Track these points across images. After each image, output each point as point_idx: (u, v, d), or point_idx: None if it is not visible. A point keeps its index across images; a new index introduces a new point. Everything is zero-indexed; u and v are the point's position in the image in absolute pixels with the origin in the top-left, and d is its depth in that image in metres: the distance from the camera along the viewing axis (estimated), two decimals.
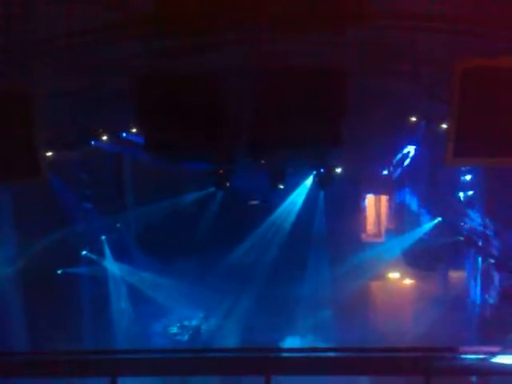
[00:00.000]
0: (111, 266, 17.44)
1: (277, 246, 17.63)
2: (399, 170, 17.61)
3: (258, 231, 17.78)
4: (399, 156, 17.28)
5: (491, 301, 16.27)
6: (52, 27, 8.27)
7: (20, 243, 14.93)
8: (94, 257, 17.26)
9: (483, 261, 16.64)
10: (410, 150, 16.89)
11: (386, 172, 17.83)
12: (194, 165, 15.43)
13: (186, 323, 17.52)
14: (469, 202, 17.06)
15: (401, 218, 18.59)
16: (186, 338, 17.29)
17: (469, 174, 16.59)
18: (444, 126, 12.06)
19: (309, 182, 17.26)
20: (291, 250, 17.24)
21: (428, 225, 17.82)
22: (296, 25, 7.58)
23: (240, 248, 17.68)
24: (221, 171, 14.90)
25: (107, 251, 17.55)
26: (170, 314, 17.61)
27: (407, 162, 17.14)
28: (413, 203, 18.36)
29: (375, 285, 18.21)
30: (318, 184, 16.31)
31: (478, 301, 16.79)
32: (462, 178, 16.83)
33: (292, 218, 17.74)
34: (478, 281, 16.93)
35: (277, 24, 7.66)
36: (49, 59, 9.28)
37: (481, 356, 7.83)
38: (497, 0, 7.26)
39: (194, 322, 17.56)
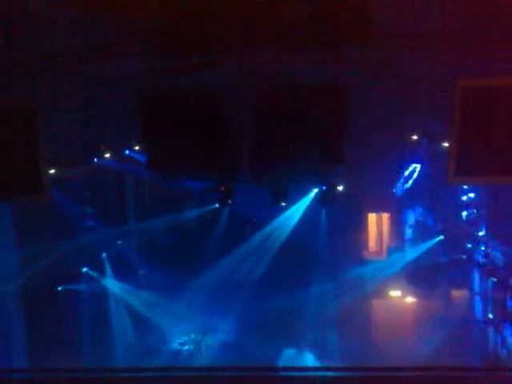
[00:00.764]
0: (111, 284, 17.40)
1: (270, 262, 17.61)
2: (402, 189, 17.62)
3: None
4: (402, 174, 17.30)
5: (494, 320, 16.19)
6: (53, 44, 8.32)
7: (21, 259, 14.91)
8: (94, 274, 17.23)
9: (486, 279, 16.59)
10: (413, 168, 16.91)
11: (388, 190, 17.84)
12: (195, 182, 15.47)
13: (186, 339, 17.47)
14: (472, 220, 17.04)
15: (403, 236, 18.56)
16: (185, 353, 17.23)
17: (472, 192, 16.58)
18: (445, 144, 12.09)
19: (309, 198, 17.26)
20: (285, 265, 17.18)
21: (429, 242, 17.78)
22: (296, 43, 7.63)
23: (233, 264, 17.69)
24: (222, 188, 14.92)
25: (108, 269, 17.53)
26: (167, 334, 17.57)
27: (410, 180, 17.15)
28: (415, 221, 18.34)
29: (376, 303, 18.12)
30: (320, 202, 16.30)
31: (481, 320, 16.71)
32: (466, 196, 16.83)
33: (286, 233, 17.74)
34: (481, 300, 16.87)
35: (277, 42, 7.71)
36: (50, 76, 9.33)
37: (483, 374, 7.80)
38: (496, 20, 7.32)
39: (194, 338, 17.51)
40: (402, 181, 17.35)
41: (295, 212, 17.50)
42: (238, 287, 17.53)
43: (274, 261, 17.55)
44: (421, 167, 16.64)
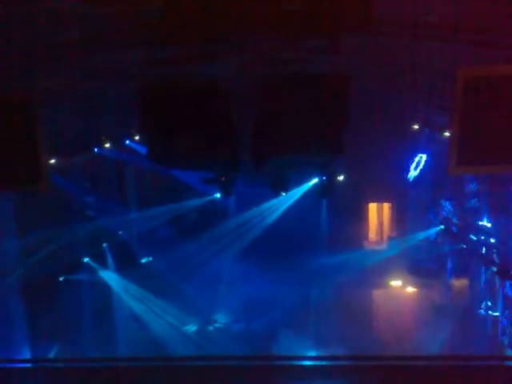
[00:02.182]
0: (109, 278, 17.44)
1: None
2: (406, 178, 17.57)
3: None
4: (405, 164, 17.25)
5: (493, 309, 16.23)
6: (54, 34, 8.31)
7: (21, 249, 14.93)
8: (94, 265, 17.26)
9: (486, 269, 16.61)
10: (418, 158, 16.84)
11: (390, 180, 17.79)
12: (196, 172, 15.49)
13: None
14: (473, 210, 17.03)
15: (403, 226, 18.57)
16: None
17: (473, 182, 16.55)
18: (447, 133, 12.06)
19: (302, 188, 17.23)
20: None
21: (429, 231, 17.80)
22: (296, 33, 7.61)
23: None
24: (222, 178, 14.94)
25: (109, 259, 17.57)
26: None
27: (416, 170, 17.06)
28: (416, 211, 18.32)
29: (376, 293, 18.17)
30: (320, 192, 16.30)
31: (481, 309, 16.76)
32: (467, 186, 16.80)
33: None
34: (481, 289, 16.90)
35: (276, 32, 7.69)
36: (50, 66, 9.31)
37: (483, 363, 7.82)
38: (497, 8, 7.28)
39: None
40: (407, 170, 17.27)
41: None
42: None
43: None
44: (427, 157, 16.55)
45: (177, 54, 9.04)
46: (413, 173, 17.05)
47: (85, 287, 16.93)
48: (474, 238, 16.82)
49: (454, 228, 17.58)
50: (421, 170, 16.88)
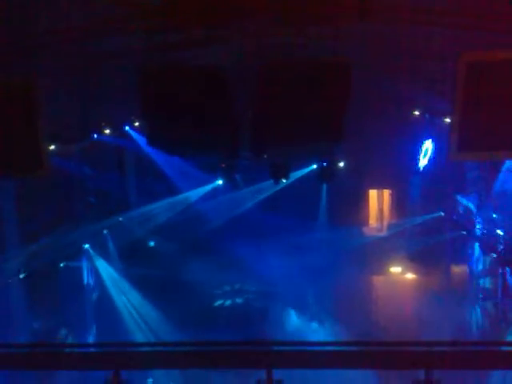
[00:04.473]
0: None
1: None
2: (404, 165, 17.51)
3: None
4: (404, 150, 17.19)
5: (493, 295, 16.30)
6: (54, 20, 8.27)
7: (23, 236, 14.96)
8: (93, 253, 17.29)
9: (486, 255, 16.64)
10: (421, 145, 16.75)
11: (389, 166, 17.74)
12: (196, 158, 15.50)
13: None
14: (474, 196, 17.03)
15: (403, 212, 18.57)
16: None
17: (476, 169, 16.51)
18: (448, 120, 12.04)
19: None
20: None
21: (427, 216, 17.80)
22: (297, 19, 7.57)
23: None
24: (223, 165, 14.94)
25: (110, 246, 17.62)
26: None
27: (425, 156, 16.96)
28: (417, 198, 18.30)
29: (377, 279, 18.22)
30: (320, 178, 16.30)
31: (480, 295, 16.81)
32: (469, 173, 16.76)
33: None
34: (481, 275, 16.94)
35: (278, 18, 7.65)
36: (51, 52, 9.28)
37: (481, 348, 7.84)
38: None
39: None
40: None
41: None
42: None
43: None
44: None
45: (177, 39, 9.01)
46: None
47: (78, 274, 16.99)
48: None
49: (454, 214, 17.59)
50: (429, 157, 16.74)
